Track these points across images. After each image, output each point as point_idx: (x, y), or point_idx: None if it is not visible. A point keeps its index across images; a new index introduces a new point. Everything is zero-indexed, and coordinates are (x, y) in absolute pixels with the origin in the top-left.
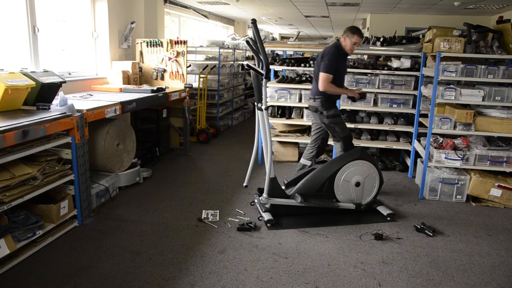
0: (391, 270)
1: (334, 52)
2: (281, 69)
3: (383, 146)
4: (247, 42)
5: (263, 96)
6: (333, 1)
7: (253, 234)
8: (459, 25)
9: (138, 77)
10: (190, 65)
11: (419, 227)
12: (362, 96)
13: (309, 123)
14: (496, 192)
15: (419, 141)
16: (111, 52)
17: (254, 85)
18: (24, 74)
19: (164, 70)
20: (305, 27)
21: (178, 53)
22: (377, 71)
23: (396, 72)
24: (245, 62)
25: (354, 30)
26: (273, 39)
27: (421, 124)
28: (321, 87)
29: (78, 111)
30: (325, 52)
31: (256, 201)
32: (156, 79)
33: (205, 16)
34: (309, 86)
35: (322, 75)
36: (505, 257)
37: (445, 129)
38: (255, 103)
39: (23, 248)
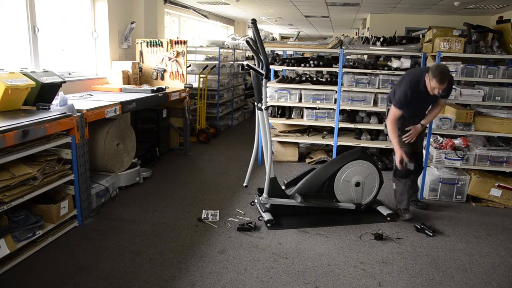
0: (391, 270)
1: (413, 88)
2: (281, 69)
3: (383, 146)
4: (247, 42)
5: (263, 96)
6: (333, 1)
7: (253, 234)
8: (459, 25)
9: (138, 77)
10: (190, 65)
11: (419, 227)
12: (405, 163)
13: (309, 123)
14: (496, 192)
15: None
16: (111, 52)
17: (254, 85)
18: (24, 74)
19: (164, 70)
20: (305, 27)
21: (178, 53)
22: (377, 71)
23: (396, 72)
24: (245, 62)
25: (436, 73)
26: (273, 39)
27: None
28: (387, 120)
29: (78, 111)
30: (404, 79)
31: (256, 201)
32: (156, 79)
33: (205, 16)
34: (309, 86)
35: (393, 108)
36: (505, 257)
37: (445, 129)
38: (255, 103)
39: (23, 248)
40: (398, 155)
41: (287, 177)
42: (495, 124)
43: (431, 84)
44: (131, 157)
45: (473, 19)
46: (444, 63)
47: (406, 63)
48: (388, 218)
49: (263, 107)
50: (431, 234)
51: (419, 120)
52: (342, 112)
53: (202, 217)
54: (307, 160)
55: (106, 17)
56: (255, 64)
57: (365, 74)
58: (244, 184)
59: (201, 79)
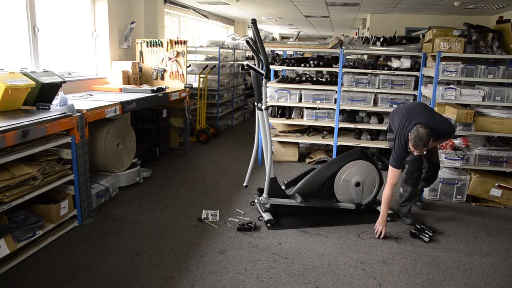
0: (391, 270)
1: (405, 147)
2: (281, 69)
3: (383, 146)
4: (247, 42)
5: (263, 96)
6: (333, 1)
7: (253, 234)
8: (459, 25)
9: (138, 77)
10: (190, 65)
11: (419, 227)
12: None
13: (309, 123)
14: (496, 192)
15: None
16: (111, 52)
17: (254, 85)
18: (24, 74)
19: (164, 70)
20: (305, 27)
21: (178, 53)
22: (377, 71)
23: (396, 72)
24: (245, 62)
25: (412, 140)
26: (273, 39)
27: None
28: (387, 185)
29: (78, 111)
30: (401, 126)
31: (256, 201)
32: (156, 79)
33: (205, 16)
34: (309, 86)
35: (390, 169)
36: (505, 257)
37: None
38: (255, 103)
39: (23, 248)
40: (381, 228)
41: (287, 177)
42: (495, 124)
43: (409, 145)
44: (131, 157)
45: (473, 19)
46: (444, 63)
47: (406, 63)
48: (388, 218)
49: (263, 107)
50: (426, 240)
51: None
52: (342, 112)
53: (202, 217)
54: (307, 160)
55: (106, 17)
56: (255, 64)
57: (365, 74)
58: (244, 184)
59: (201, 79)
